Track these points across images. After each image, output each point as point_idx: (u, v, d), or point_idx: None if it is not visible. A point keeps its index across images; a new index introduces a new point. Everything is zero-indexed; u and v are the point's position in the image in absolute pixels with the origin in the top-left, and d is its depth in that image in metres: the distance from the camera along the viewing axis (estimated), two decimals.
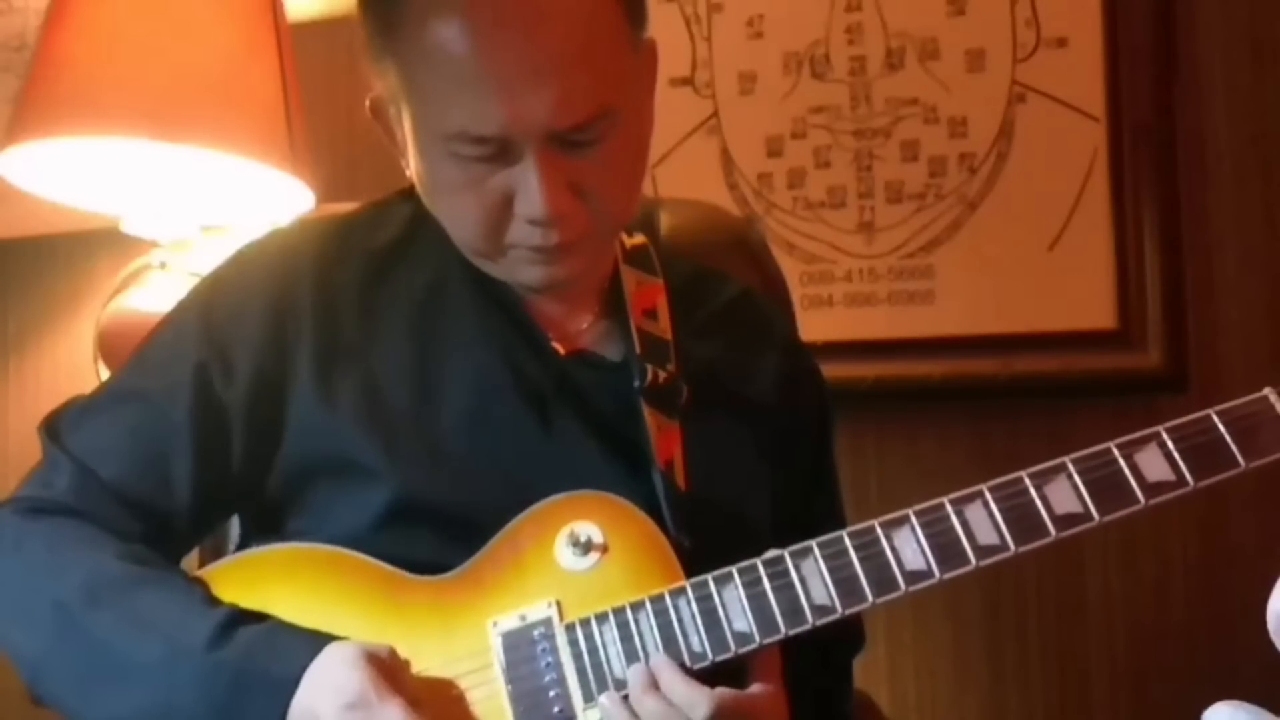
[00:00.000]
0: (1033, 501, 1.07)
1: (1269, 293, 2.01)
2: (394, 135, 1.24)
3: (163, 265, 2.10)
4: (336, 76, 2.29)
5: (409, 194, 1.28)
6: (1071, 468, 1.07)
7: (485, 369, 1.24)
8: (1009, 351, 2.07)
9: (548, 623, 1.12)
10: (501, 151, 1.13)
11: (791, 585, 1.09)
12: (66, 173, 2.07)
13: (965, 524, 1.07)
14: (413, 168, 1.22)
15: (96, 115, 1.88)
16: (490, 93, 1.10)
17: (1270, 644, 0.74)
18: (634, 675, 1.08)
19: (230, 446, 1.23)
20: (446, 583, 1.16)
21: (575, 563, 1.14)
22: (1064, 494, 1.06)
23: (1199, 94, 2.04)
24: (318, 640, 1.09)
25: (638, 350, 1.27)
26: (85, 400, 1.27)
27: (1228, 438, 1.05)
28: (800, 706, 1.15)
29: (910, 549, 1.07)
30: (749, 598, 1.09)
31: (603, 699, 1.09)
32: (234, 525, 1.40)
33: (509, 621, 1.13)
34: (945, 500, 1.08)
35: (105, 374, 2.01)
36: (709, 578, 1.11)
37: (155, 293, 2.06)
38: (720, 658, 1.09)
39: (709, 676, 1.09)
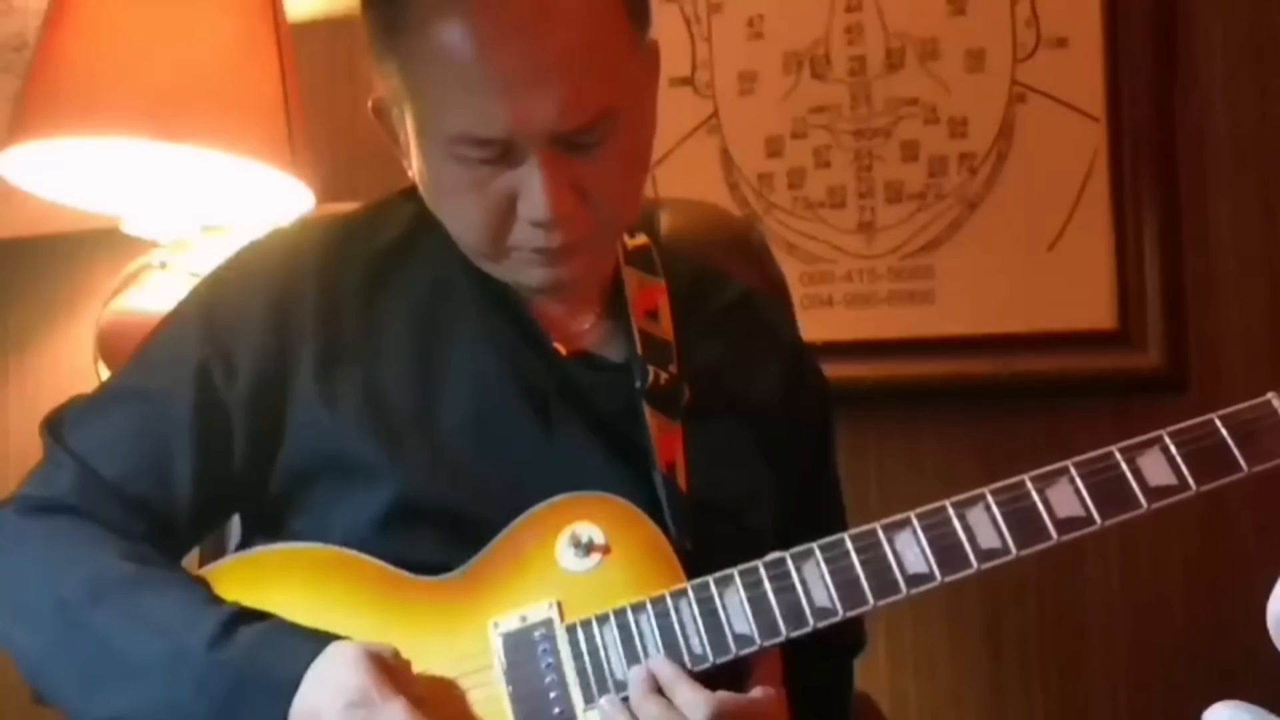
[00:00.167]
0: (1035, 505, 1.06)
1: (1269, 293, 2.01)
2: (396, 136, 1.24)
3: (163, 265, 2.10)
4: (336, 76, 2.30)
5: (411, 194, 1.27)
6: (1074, 471, 1.07)
7: (487, 370, 1.24)
8: (1009, 351, 2.07)
9: (549, 624, 1.12)
10: (505, 153, 1.13)
11: (793, 587, 1.08)
12: (66, 173, 2.07)
13: (967, 527, 1.07)
14: (415, 169, 1.22)
15: (96, 115, 1.88)
16: (494, 95, 1.10)
17: (1270, 644, 0.74)
18: (634, 677, 1.08)
19: (232, 446, 1.22)
20: (447, 583, 1.16)
21: (576, 564, 1.14)
22: (1066, 497, 1.06)
23: (1199, 94, 2.04)
24: (319, 640, 1.09)
25: (639, 351, 1.27)
26: (87, 399, 1.27)
27: (1230, 442, 1.05)
28: (800, 708, 1.15)
29: (912, 552, 1.07)
30: (750, 600, 1.09)
31: (602, 702, 1.09)
32: (235, 525, 1.40)
33: (510, 622, 1.13)
34: (947, 503, 1.08)
35: (105, 374, 2.01)
36: (710, 579, 1.11)
37: (155, 293, 2.06)
38: (721, 659, 1.09)
39: (709, 679, 1.09)
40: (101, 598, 1.13)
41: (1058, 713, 2.06)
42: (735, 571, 1.10)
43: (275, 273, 1.26)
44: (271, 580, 1.19)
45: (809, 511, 1.32)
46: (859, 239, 2.15)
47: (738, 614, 1.09)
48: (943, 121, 2.12)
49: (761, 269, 1.67)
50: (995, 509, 1.07)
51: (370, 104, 1.24)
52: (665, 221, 1.60)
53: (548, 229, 1.15)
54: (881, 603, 1.07)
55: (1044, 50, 2.09)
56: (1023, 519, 1.06)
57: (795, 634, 1.08)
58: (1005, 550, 1.06)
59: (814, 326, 1.54)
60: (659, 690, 1.07)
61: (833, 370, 1.46)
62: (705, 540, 1.18)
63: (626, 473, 1.22)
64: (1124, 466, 1.06)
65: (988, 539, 1.07)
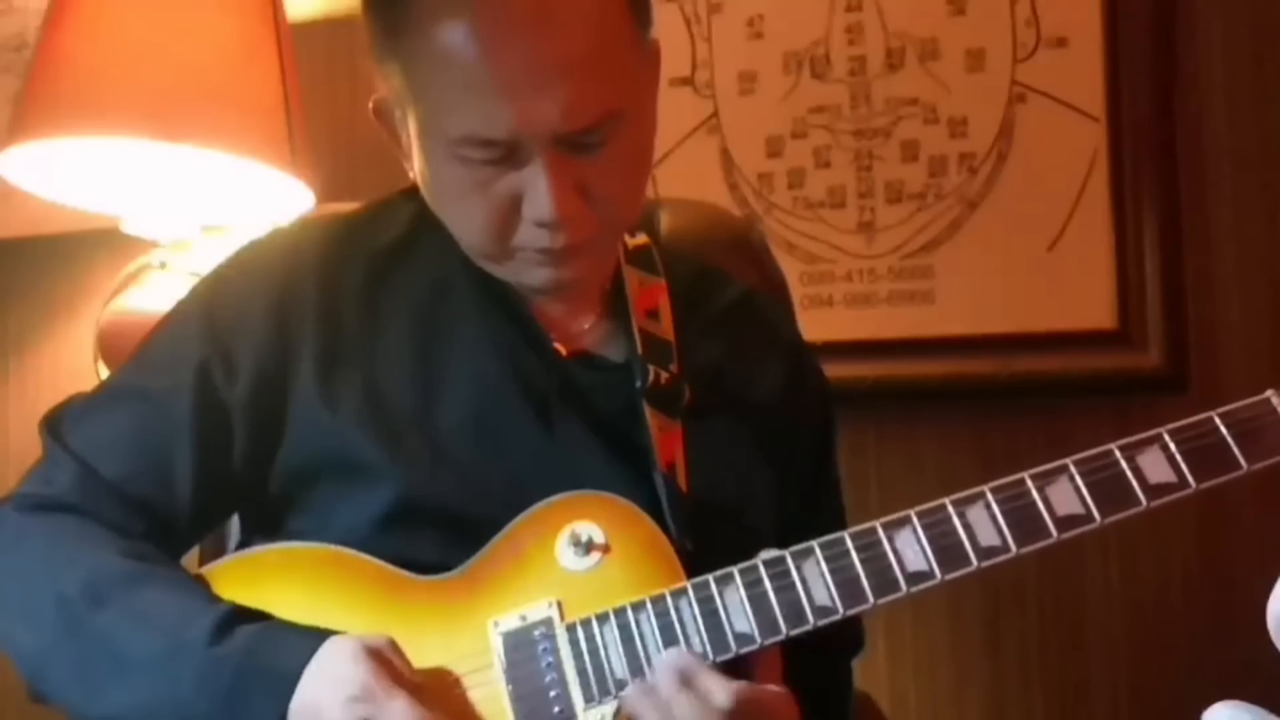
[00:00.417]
0: (1034, 503, 1.06)
1: (1269, 293, 2.01)
2: (398, 138, 1.24)
3: (163, 265, 2.10)
4: (336, 76, 2.30)
5: (412, 193, 1.27)
6: (1073, 469, 1.07)
7: (487, 370, 1.24)
8: (1009, 351, 2.07)
9: (548, 623, 1.12)
10: (509, 155, 1.13)
11: (793, 586, 1.08)
12: (66, 173, 2.07)
13: (967, 525, 1.07)
14: (417, 170, 1.21)
15: (96, 115, 1.88)
16: (499, 96, 1.10)
17: (1270, 644, 0.74)
18: (664, 669, 1.07)
19: (232, 445, 1.22)
20: (447, 582, 1.16)
21: (576, 563, 1.14)
22: (1066, 495, 1.06)
23: (1199, 94, 2.04)
24: (318, 635, 1.09)
25: (640, 351, 1.27)
26: (87, 398, 1.27)
27: (1230, 440, 1.05)
28: (800, 709, 1.15)
29: (912, 550, 1.07)
30: (750, 598, 1.09)
31: (630, 691, 1.08)
32: (234, 524, 1.40)
33: (510, 621, 1.13)
34: (947, 501, 1.08)
35: (105, 374, 2.01)
36: (710, 578, 1.10)
37: (155, 293, 2.06)
38: (721, 658, 1.09)
39: None
40: (101, 596, 1.13)
41: (1057, 713, 2.06)
42: (735, 570, 1.10)
43: (276, 272, 1.26)
44: (270, 580, 1.19)
45: (810, 512, 1.32)
46: (859, 239, 2.15)
47: (738, 613, 1.09)
48: (943, 121, 2.12)
49: (761, 269, 1.67)
50: (995, 507, 1.07)
51: (371, 105, 1.24)
52: (665, 221, 1.60)
53: (552, 230, 1.15)
54: (882, 601, 1.07)
55: (1044, 50, 2.09)
56: (1022, 517, 1.06)
57: (795, 632, 1.08)
58: (1005, 548, 1.06)
59: (814, 326, 1.54)
60: (688, 684, 1.06)
61: (833, 370, 1.46)
62: (705, 540, 1.18)
63: (627, 473, 1.22)
64: (1123, 464, 1.06)
65: (988, 537, 1.07)
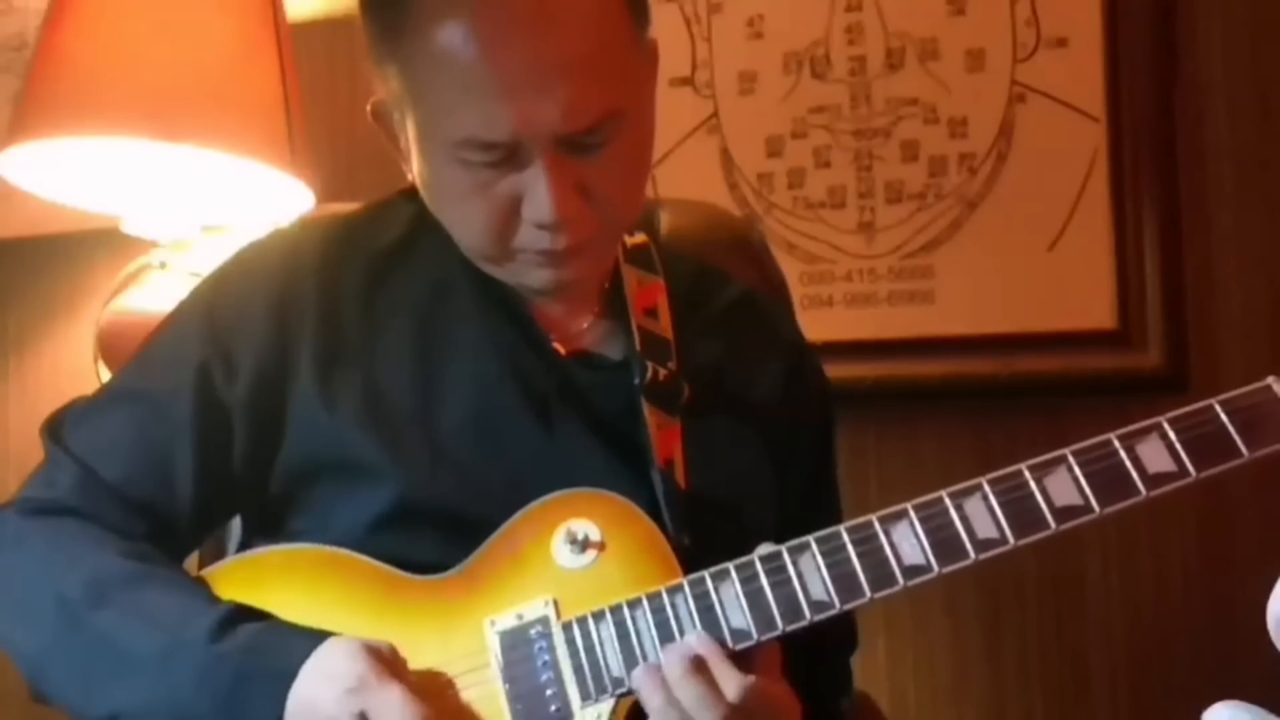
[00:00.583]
0: (1032, 494, 1.06)
1: (1269, 292, 2.01)
2: (396, 140, 1.23)
3: (163, 265, 2.10)
4: (336, 76, 2.30)
5: (411, 194, 1.27)
6: (1072, 459, 1.06)
7: (487, 370, 1.24)
8: (1009, 351, 2.07)
9: (545, 621, 1.12)
10: (509, 156, 1.13)
11: (789, 581, 1.08)
12: (66, 173, 2.07)
13: (964, 517, 1.06)
14: (416, 173, 1.21)
15: (96, 115, 1.88)
16: (499, 98, 1.10)
17: (1270, 644, 0.74)
18: (673, 654, 1.07)
19: (232, 447, 1.23)
20: (444, 582, 1.16)
21: (573, 561, 1.13)
22: (1064, 486, 1.05)
23: (1199, 94, 2.04)
24: (318, 635, 1.09)
25: (638, 348, 1.27)
26: (87, 401, 1.27)
27: (1230, 427, 1.04)
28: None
29: (908, 544, 1.06)
30: (746, 594, 1.08)
31: (638, 672, 1.07)
32: (235, 525, 1.40)
33: (506, 620, 1.13)
34: (944, 494, 1.08)
35: (105, 374, 2.02)
36: (706, 574, 1.10)
37: (155, 293, 2.06)
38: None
39: None
40: (102, 596, 1.13)
41: (1057, 713, 2.06)
42: (731, 566, 1.10)
43: (276, 273, 1.26)
44: (270, 581, 1.19)
45: (809, 511, 1.32)
46: (859, 239, 2.15)
47: (734, 609, 1.08)
48: (943, 121, 2.12)
49: (761, 269, 1.67)
50: (992, 498, 1.06)
51: (369, 108, 1.24)
52: (665, 221, 1.60)
53: (553, 231, 1.15)
54: (878, 595, 1.07)
55: (1044, 50, 2.09)
56: (1020, 508, 1.06)
57: (791, 628, 1.08)
58: (1003, 540, 1.05)
59: (814, 326, 1.54)
60: (695, 669, 1.06)
61: (833, 370, 1.46)
62: (704, 537, 1.18)
63: (627, 472, 1.22)
64: (1122, 454, 1.05)
65: (985, 529, 1.06)
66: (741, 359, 1.35)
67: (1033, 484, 1.06)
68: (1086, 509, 1.05)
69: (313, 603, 1.16)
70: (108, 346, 2.06)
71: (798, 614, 1.07)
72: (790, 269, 1.88)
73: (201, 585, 1.18)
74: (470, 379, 1.24)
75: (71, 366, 2.40)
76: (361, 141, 2.08)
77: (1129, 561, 2.03)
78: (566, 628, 1.11)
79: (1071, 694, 2.06)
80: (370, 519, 1.19)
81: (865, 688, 1.56)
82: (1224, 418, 1.04)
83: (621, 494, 1.16)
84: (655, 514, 1.17)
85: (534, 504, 1.16)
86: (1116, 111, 2.05)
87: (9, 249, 2.48)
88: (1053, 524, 1.05)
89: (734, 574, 1.09)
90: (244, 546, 1.29)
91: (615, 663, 1.09)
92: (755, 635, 1.08)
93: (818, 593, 1.07)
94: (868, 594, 1.07)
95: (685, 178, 2.17)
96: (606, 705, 1.09)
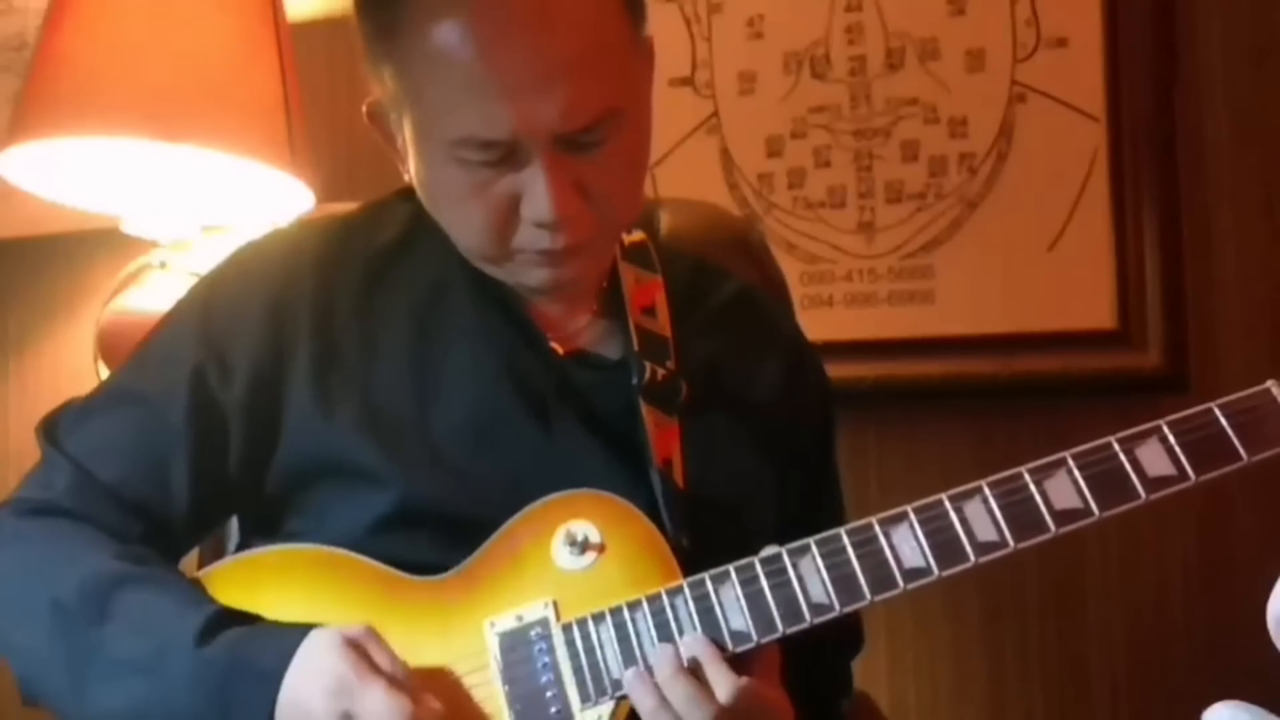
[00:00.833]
0: (1032, 497, 1.06)
1: (1269, 292, 2.01)
2: (393, 141, 1.23)
3: (163, 265, 2.10)
4: (336, 76, 2.30)
5: (408, 194, 1.27)
6: (1072, 463, 1.06)
7: (484, 370, 1.24)
8: (1009, 351, 2.07)
9: (544, 623, 1.12)
10: (508, 155, 1.13)
11: (789, 584, 1.08)
12: (66, 173, 2.07)
13: (964, 520, 1.06)
14: (414, 173, 1.21)
15: (96, 115, 1.88)
16: (497, 97, 1.09)
17: (1270, 644, 0.74)
18: (662, 655, 1.07)
19: (228, 448, 1.22)
20: (444, 583, 1.16)
21: (572, 562, 1.13)
22: (1064, 489, 1.05)
23: (1199, 94, 2.04)
24: (300, 631, 1.09)
25: (636, 348, 1.27)
26: (83, 401, 1.27)
27: (1229, 431, 1.04)
28: (798, 709, 1.14)
29: (909, 546, 1.06)
30: (746, 596, 1.08)
31: (629, 674, 1.08)
32: (234, 526, 1.40)
33: (506, 622, 1.13)
34: (944, 497, 1.08)
35: (105, 374, 2.01)
36: (706, 576, 1.10)
37: (155, 293, 2.06)
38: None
39: None
40: (96, 600, 1.13)
41: (1057, 712, 2.06)
42: (731, 568, 1.10)
43: (272, 274, 1.26)
44: (268, 582, 1.19)
45: (809, 510, 1.32)
46: (859, 239, 2.15)
47: (734, 611, 1.08)
48: (943, 121, 2.12)
49: (761, 268, 1.67)
50: (992, 501, 1.06)
51: (365, 108, 1.24)
52: (665, 220, 1.60)
53: (552, 230, 1.15)
54: (878, 598, 1.07)
55: (1044, 50, 2.09)
56: (1020, 511, 1.06)
57: (792, 630, 1.07)
58: (1003, 543, 1.05)
59: (814, 326, 1.53)
60: (685, 669, 1.06)
61: (833, 370, 1.46)
62: (703, 537, 1.18)
63: (626, 472, 1.22)
64: (1122, 457, 1.05)
65: (985, 532, 1.06)
66: (740, 357, 1.35)
67: (1032, 487, 1.06)
68: (1086, 512, 1.05)
69: (311, 603, 1.16)
70: (108, 346, 2.06)
71: (798, 616, 1.07)
72: (790, 269, 1.88)
73: (196, 587, 1.17)
74: (468, 379, 1.23)
75: (71, 366, 2.40)
76: (361, 141, 2.07)
77: (1129, 562, 2.03)
78: (566, 629, 1.11)
79: (1072, 695, 2.05)
80: (369, 520, 1.18)
81: (866, 689, 1.56)
82: (1223, 421, 1.04)
83: (620, 494, 1.16)
84: (654, 514, 1.17)
85: (533, 505, 1.16)
86: (1116, 111, 2.05)
87: (9, 249, 2.48)
88: (1052, 527, 1.05)
89: (734, 576, 1.09)
90: (241, 547, 1.29)
91: (615, 664, 1.09)
92: (755, 637, 1.08)
93: (818, 595, 1.07)
94: (868, 596, 1.07)
95: (685, 178, 2.16)
96: (606, 707, 1.09)
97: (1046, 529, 1.05)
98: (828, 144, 2.16)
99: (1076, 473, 1.06)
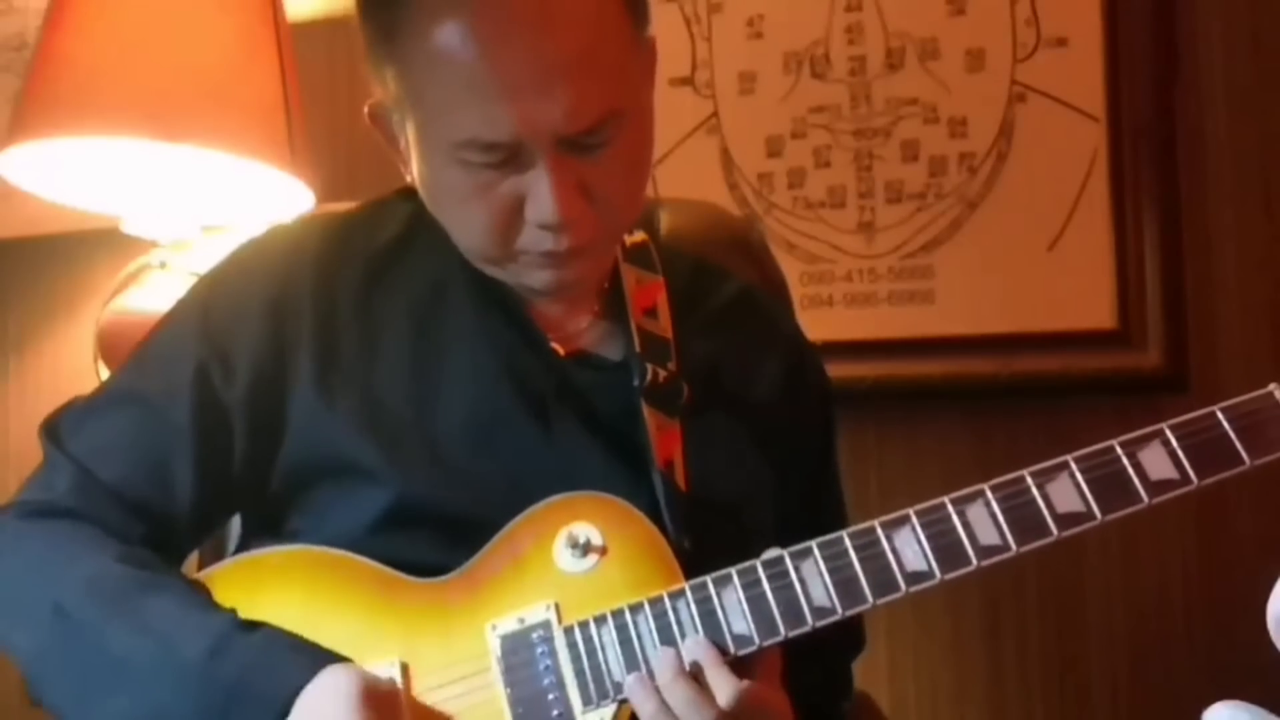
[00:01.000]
0: (1034, 501, 1.05)
1: (1269, 293, 2.01)
2: (396, 143, 1.23)
3: (163, 265, 2.10)
4: (336, 76, 2.30)
5: (408, 193, 1.27)
6: (1074, 466, 1.06)
7: (485, 370, 1.24)
8: (1009, 351, 2.07)
9: (546, 625, 1.12)
10: (511, 157, 1.12)
11: (791, 586, 1.08)
12: (66, 173, 2.07)
13: (966, 524, 1.06)
14: (415, 175, 1.21)
15: (96, 115, 1.88)
16: (500, 98, 1.09)
17: (1270, 644, 0.74)
18: (663, 658, 1.07)
19: (231, 447, 1.22)
20: (445, 585, 1.16)
21: (574, 565, 1.13)
22: (1066, 493, 1.05)
23: (1199, 94, 2.04)
24: (315, 658, 1.08)
25: (637, 349, 1.26)
26: (85, 402, 1.27)
27: (1232, 435, 1.03)
28: (799, 709, 1.14)
29: (911, 549, 1.06)
30: (748, 599, 1.08)
31: (630, 679, 1.07)
32: (235, 525, 1.40)
33: (507, 624, 1.12)
34: (946, 500, 1.07)
35: (105, 374, 2.01)
36: (708, 579, 1.10)
37: (155, 293, 2.06)
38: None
39: None
40: (98, 602, 1.12)
41: (1058, 712, 2.06)
42: (733, 571, 1.10)
43: (272, 272, 1.26)
44: (269, 583, 1.19)
45: (810, 510, 1.32)
46: (859, 239, 2.15)
47: (736, 614, 1.08)
48: (943, 121, 2.12)
49: (761, 268, 1.67)
50: (995, 505, 1.06)
51: (366, 110, 1.23)
52: (665, 221, 1.60)
53: (556, 232, 1.15)
54: (880, 601, 1.07)
55: (1044, 50, 2.09)
56: (1023, 515, 1.05)
57: (794, 634, 1.07)
58: (1005, 547, 1.05)
59: (814, 326, 1.53)
60: (685, 673, 1.06)
61: (833, 370, 1.46)
62: (704, 538, 1.18)
63: (626, 473, 1.21)
64: (1125, 461, 1.05)
65: (987, 536, 1.06)
66: (741, 357, 1.35)
67: (1035, 490, 1.06)
68: (1089, 516, 1.05)
69: (312, 604, 1.16)
70: (108, 346, 2.06)
71: (800, 619, 1.07)
72: (790, 269, 1.88)
73: (200, 590, 1.17)
74: (468, 379, 1.23)
75: (71, 366, 2.39)
76: (361, 141, 2.07)
77: (1129, 562, 2.03)
78: (568, 632, 1.11)
79: (1072, 695, 2.05)
80: (368, 520, 1.18)
81: (866, 689, 1.56)
82: (1226, 425, 1.04)
83: (621, 495, 1.16)
84: (655, 516, 1.17)
85: (535, 507, 1.16)
86: (1116, 111, 2.05)
87: (9, 249, 2.48)
88: (1055, 530, 1.05)
89: (736, 579, 1.09)
90: (243, 547, 1.28)
91: (617, 667, 1.09)
92: (757, 640, 1.08)
93: (820, 598, 1.07)
94: (870, 600, 1.06)
95: (685, 178, 2.16)
96: (608, 710, 1.09)
97: (1049, 532, 1.05)
98: (828, 144, 2.16)
99: (1079, 476, 1.05)
